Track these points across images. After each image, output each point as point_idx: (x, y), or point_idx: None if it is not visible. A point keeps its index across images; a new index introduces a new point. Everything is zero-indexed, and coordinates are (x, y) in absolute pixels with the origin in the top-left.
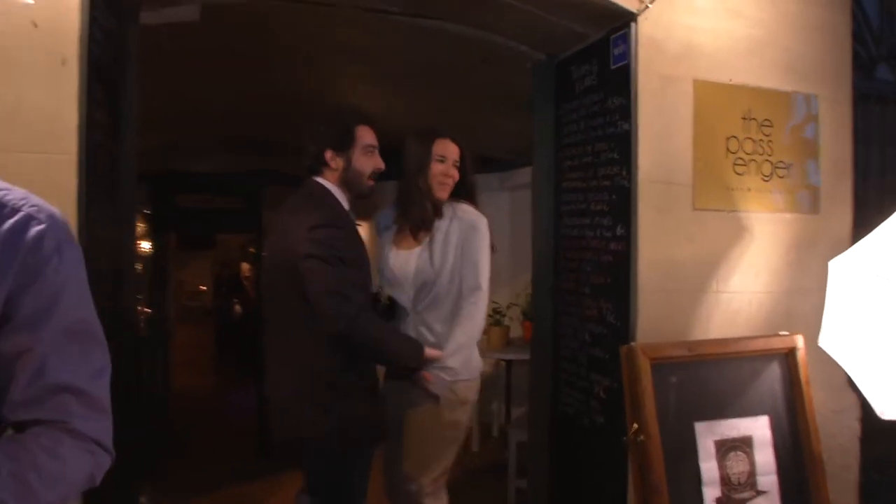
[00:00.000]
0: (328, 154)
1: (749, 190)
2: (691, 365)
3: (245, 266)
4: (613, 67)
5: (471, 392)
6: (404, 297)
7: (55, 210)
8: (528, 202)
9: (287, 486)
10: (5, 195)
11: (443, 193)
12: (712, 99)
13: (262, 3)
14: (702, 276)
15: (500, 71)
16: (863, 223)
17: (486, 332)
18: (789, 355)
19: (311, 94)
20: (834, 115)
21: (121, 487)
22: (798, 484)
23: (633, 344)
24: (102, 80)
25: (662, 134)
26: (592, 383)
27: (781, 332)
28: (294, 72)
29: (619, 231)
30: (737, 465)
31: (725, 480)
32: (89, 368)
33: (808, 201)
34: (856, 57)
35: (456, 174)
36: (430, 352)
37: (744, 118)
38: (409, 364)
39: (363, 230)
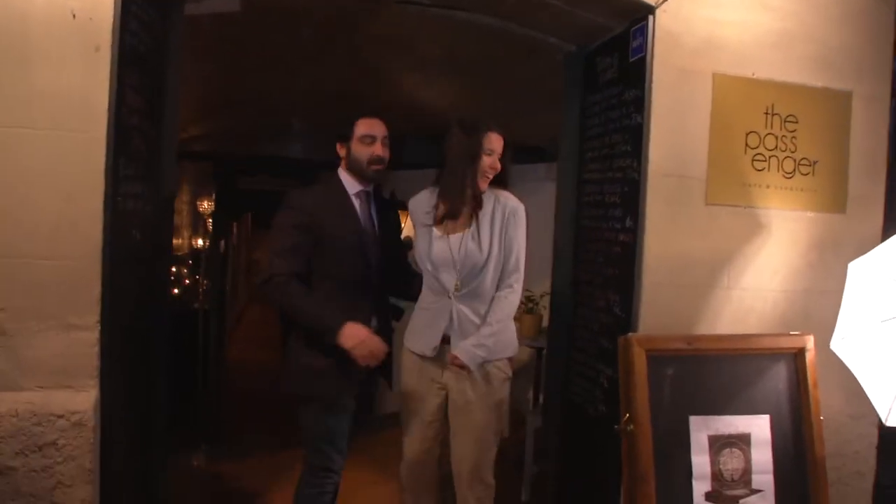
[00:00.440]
0: (338, 145)
1: (768, 186)
2: (690, 359)
3: None
4: (632, 60)
5: (510, 368)
6: (449, 280)
7: None
8: None
9: None
10: None
11: (485, 184)
12: (732, 93)
13: None
14: (712, 271)
15: (545, 63)
16: None
17: (518, 319)
18: (798, 356)
19: (366, 84)
20: (869, 112)
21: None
22: (797, 486)
23: (629, 334)
24: (139, 67)
25: (676, 127)
26: (599, 373)
27: (792, 332)
28: (342, 63)
29: (627, 223)
30: (731, 461)
31: (717, 476)
32: None
33: (834, 200)
34: None
35: (499, 166)
36: (350, 332)
37: (766, 113)
38: (325, 338)
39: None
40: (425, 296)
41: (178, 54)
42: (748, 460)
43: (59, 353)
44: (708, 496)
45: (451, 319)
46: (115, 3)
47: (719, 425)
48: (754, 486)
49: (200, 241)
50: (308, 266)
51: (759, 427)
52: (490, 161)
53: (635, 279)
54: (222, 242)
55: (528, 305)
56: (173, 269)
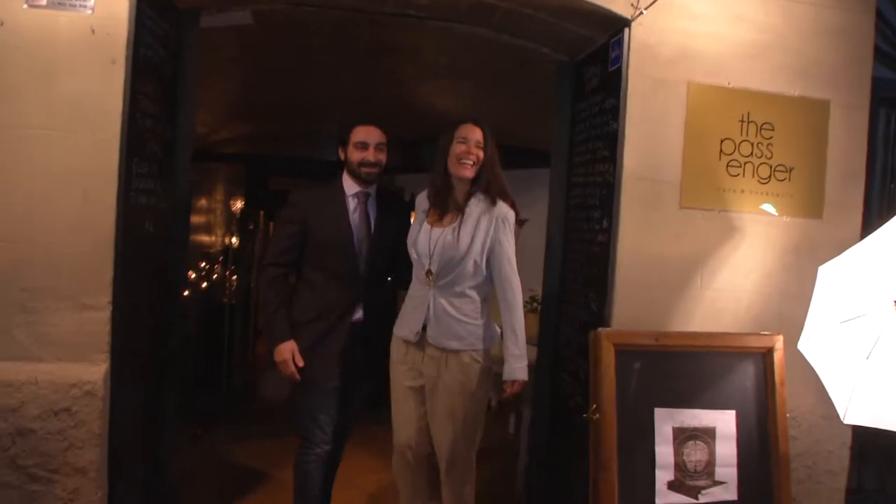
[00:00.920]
0: (339, 149)
1: (743, 191)
2: (657, 354)
3: None
4: (610, 70)
5: (486, 360)
6: (423, 268)
7: None
8: None
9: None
10: None
11: (464, 171)
12: (708, 101)
13: (303, 10)
14: (685, 272)
15: (546, 72)
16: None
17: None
18: (766, 355)
19: (384, 91)
20: (847, 121)
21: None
22: (760, 480)
23: (599, 329)
24: (154, 76)
25: (651, 134)
26: (578, 367)
27: (763, 332)
28: (359, 73)
29: (604, 224)
30: (695, 453)
31: (681, 466)
32: None
33: (810, 206)
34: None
35: (479, 154)
36: (282, 349)
37: (741, 121)
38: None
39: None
40: (413, 284)
41: (195, 64)
42: (712, 453)
43: (74, 329)
44: (670, 485)
45: (428, 309)
46: (130, 18)
47: (684, 418)
48: (717, 478)
49: (234, 239)
50: (300, 256)
51: (724, 422)
52: (464, 148)
53: (608, 277)
54: (255, 240)
55: (531, 305)
56: (204, 265)
